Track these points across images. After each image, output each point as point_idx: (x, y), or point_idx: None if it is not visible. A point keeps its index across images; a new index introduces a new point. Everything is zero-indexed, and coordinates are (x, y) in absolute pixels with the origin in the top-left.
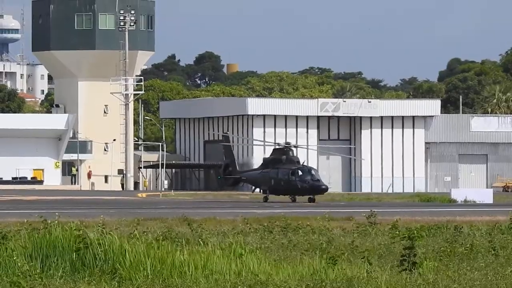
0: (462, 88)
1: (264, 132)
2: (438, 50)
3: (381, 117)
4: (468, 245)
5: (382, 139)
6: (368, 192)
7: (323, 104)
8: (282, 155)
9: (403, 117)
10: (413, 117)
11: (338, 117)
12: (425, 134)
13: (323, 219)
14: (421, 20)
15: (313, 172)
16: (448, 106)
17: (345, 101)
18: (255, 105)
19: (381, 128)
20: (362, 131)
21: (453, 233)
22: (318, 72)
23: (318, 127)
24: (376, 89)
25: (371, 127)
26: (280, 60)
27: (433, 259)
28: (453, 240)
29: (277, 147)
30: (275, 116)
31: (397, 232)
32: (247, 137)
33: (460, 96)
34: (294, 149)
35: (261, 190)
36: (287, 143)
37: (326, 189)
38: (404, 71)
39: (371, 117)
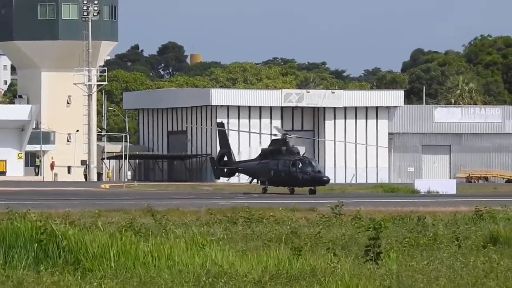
0: (426, 78)
1: (228, 123)
2: (401, 40)
3: (345, 107)
4: (431, 236)
5: (346, 130)
6: (332, 182)
7: (286, 95)
8: (282, 146)
9: (366, 107)
10: (377, 107)
11: (302, 107)
12: (388, 125)
13: (287, 210)
14: (384, 10)
15: (313, 163)
16: (412, 97)
17: (308, 92)
18: (219, 96)
19: (345, 118)
20: (326, 121)
21: (416, 224)
22: (282, 63)
23: (281, 118)
24: (340, 80)
25: (334, 118)
26: (244, 51)
27: (397, 249)
28: (416, 230)
29: (275, 137)
30: (238, 107)
31: (362, 223)
32: (211, 127)
33: (424, 87)
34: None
35: (259, 181)
36: (285, 133)
37: (328, 180)
38: (368, 61)
39: (334, 108)
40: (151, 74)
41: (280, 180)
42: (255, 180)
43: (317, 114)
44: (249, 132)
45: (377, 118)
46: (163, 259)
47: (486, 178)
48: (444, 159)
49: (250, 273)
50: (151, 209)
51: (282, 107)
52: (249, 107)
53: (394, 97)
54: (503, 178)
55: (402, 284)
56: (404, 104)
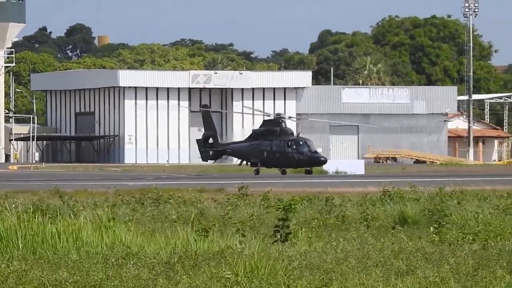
0: (333, 59)
1: (136, 104)
2: (309, 22)
3: (253, 88)
4: (340, 216)
5: (254, 111)
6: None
7: (194, 76)
8: (275, 127)
9: (274, 88)
10: (285, 88)
11: (210, 88)
12: (296, 105)
13: (195, 190)
14: None
15: (309, 143)
16: (319, 78)
17: (216, 73)
18: (127, 77)
19: (253, 99)
20: (234, 102)
21: (325, 205)
22: (190, 44)
23: (189, 99)
24: (248, 61)
25: (242, 99)
26: (151, 33)
27: (305, 230)
28: (325, 211)
29: (267, 118)
30: (146, 88)
31: (271, 203)
32: (119, 108)
33: (331, 68)
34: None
35: (250, 163)
36: (278, 113)
37: (325, 161)
38: (275, 42)
39: (242, 89)
40: (59, 55)
41: (274, 161)
42: (244, 162)
43: (225, 95)
44: (253, 114)
45: (285, 99)
46: (71, 241)
47: (394, 159)
48: (352, 140)
49: (158, 254)
50: (59, 190)
51: (190, 88)
52: (157, 88)
53: (302, 78)
54: (411, 158)
55: (311, 265)
56: (312, 85)
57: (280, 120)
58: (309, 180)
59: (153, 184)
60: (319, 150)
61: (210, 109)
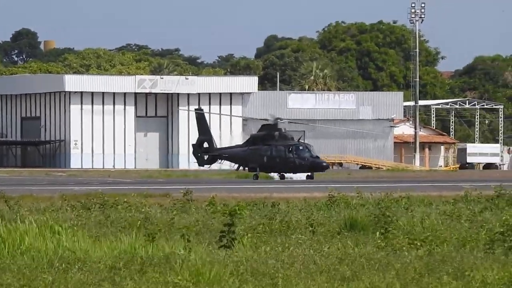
0: (279, 65)
1: (82, 109)
2: (255, 27)
3: (199, 93)
4: (285, 222)
5: None
6: (186, 168)
7: (140, 81)
8: (274, 131)
9: (220, 93)
10: (231, 93)
11: (156, 93)
12: (242, 111)
13: (140, 195)
14: None
15: (310, 148)
16: (266, 83)
17: (162, 78)
18: (73, 82)
19: (199, 104)
20: (180, 107)
21: (270, 210)
22: (136, 49)
23: (135, 104)
24: (194, 66)
25: (188, 104)
26: (98, 37)
27: (251, 236)
28: (270, 217)
29: (266, 123)
30: (92, 93)
31: (217, 209)
32: (65, 113)
33: (278, 73)
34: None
35: (249, 168)
36: (277, 118)
37: (327, 166)
38: (222, 48)
39: (188, 94)
40: (4, 60)
41: (275, 166)
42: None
43: (171, 100)
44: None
45: (231, 104)
46: (16, 245)
47: (340, 164)
48: None
49: (103, 259)
50: (4, 195)
51: (136, 93)
52: (103, 93)
53: (248, 83)
54: (357, 164)
55: (256, 270)
56: (258, 90)
57: (279, 125)
58: (255, 185)
59: (98, 189)
60: None
61: (203, 112)
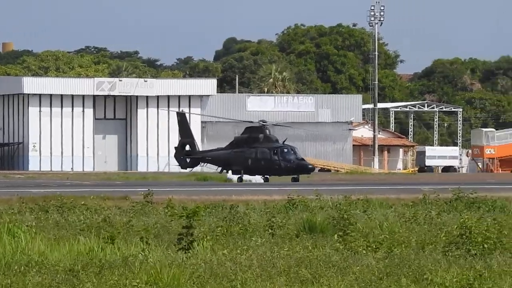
0: (238, 67)
1: (40, 111)
2: (214, 29)
3: (158, 96)
4: (244, 224)
5: (159, 118)
6: (144, 171)
7: (99, 83)
8: (259, 134)
9: (179, 96)
10: (189, 96)
11: (115, 96)
12: (201, 113)
13: (98, 198)
14: (198, 0)
15: (296, 151)
16: (224, 86)
17: (121, 80)
18: (31, 85)
19: (157, 107)
20: (138, 110)
21: (229, 212)
22: (94, 52)
23: (94, 106)
24: (153, 68)
25: (147, 106)
26: (56, 39)
27: (210, 238)
28: (229, 219)
29: (250, 125)
30: (51, 95)
31: (175, 211)
32: (23, 116)
33: (236, 76)
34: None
35: (232, 171)
36: (263, 121)
37: (313, 168)
38: (180, 50)
39: (147, 96)
40: None
41: (260, 169)
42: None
43: (130, 102)
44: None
45: (190, 107)
46: None
47: None
48: None
49: (62, 261)
50: None
51: (94, 96)
52: (62, 95)
53: (207, 85)
54: (316, 166)
55: (215, 273)
56: (217, 92)
57: (264, 127)
58: (213, 188)
59: (57, 191)
60: None
61: (186, 113)
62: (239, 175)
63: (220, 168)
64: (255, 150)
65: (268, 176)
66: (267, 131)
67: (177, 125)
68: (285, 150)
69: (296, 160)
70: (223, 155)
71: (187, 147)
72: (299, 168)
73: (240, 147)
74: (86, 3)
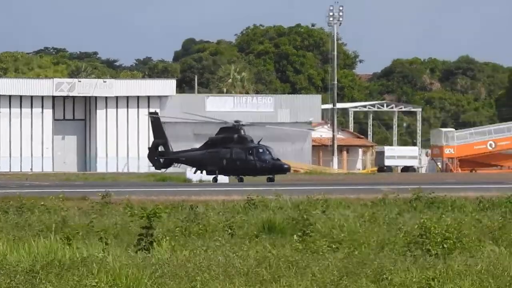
0: (197, 68)
1: None
2: (172, 30)
3: (116, 97)
4: (203, 225)
5: (118, 119)
6: (104, 171)
7: (58, 84)
8: (233, 134)
9: (138, 97)
10: (149, 97)
11: (74, 97)
12: (160, 114)
13: (57, 198)
14: (157, 1)
15: (271, 151)
16: (184, 86)
17: (80, 81)
18: None
19: (117, 108)
20: (98, 110)
21: (188, 213)
22: (53, 52)
23: (53, 107)
24: (112, 69)
25: (106, 107)
26: (15, 40)
27: (169, 238)
28: (189, 219)
29: (225, 125)
30: (10, 96)
31: (135, 212)
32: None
33: (196, 76)
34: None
35: (207, 171)
36: (236, 121)
37: (289, 168)
38: (139, 51)
39: (106, 97)
40: None
41: (234, 169)
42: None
43: (89, 103)
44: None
45: (149, 107)
46: None
47: None
48: None
49: (21, 262)
50: None
51: (53, 96)
52: (21, 96)
53: (166, 86)
54: None
55: (174, 273)
56: (176, 93)
57: (239, 127)
58: (173, 188)
59: (16, 192)
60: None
61: (159, 116)
62: (214, 176)
63: (194, 169)
64: (230, 150)
65: (242, 177)
66: (242, 131)
67: (150, 126)
68: (260, 150)
69: (272, 160)
70: (197, 156)
71: (161, 148)
72: (275, 168)
73: (215, 147)
74: (44, 3)
